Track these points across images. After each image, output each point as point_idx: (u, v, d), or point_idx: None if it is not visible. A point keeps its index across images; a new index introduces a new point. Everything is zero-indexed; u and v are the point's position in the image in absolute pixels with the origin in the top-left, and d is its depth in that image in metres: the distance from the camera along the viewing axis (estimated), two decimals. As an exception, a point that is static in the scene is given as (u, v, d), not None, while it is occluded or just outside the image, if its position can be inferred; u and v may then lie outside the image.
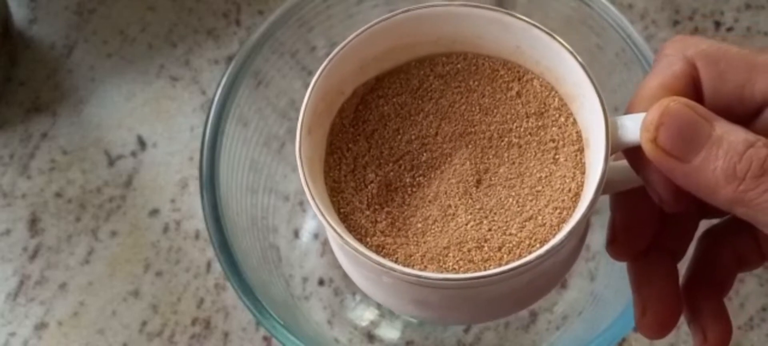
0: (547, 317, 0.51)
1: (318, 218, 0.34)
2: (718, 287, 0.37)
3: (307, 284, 0.52)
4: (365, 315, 0.52)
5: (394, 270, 0.33)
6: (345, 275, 0.53)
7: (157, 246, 0.54)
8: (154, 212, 0.55)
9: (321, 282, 0.53)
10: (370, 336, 0.51)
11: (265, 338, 0.52)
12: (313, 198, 0.33)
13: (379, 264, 0.33)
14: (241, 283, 0.42)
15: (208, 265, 0.53)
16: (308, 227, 0.53)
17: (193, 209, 0.54)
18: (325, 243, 0.53)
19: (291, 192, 0.53)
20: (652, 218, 0.36)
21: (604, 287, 0.47)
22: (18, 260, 0.54)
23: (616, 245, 0.36)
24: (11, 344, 0.52)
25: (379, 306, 0.52)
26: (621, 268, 0.45)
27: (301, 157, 0.34)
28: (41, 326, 0.52)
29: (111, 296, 0.53)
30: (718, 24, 0.59)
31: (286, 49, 0.48)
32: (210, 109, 0.45)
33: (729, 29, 0.59)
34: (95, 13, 0.60)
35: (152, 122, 0.57)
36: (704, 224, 0.38)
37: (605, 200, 0.36)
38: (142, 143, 0.56)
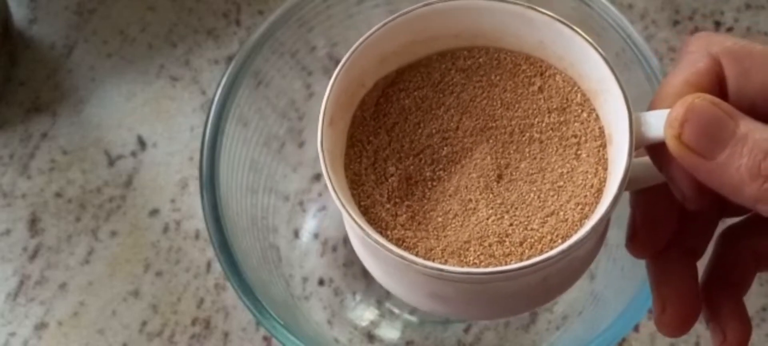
0: (547, 317, 0.51)
1: (340, 210, 0.34)
2: (737, 286, 0.36)
3: (307, 284, 0.52)
4: (365, 315, 0.52)
5: (416, 263, 0.33)
6: (345, 275, 0.53)
7: (157, 246, 0.54)
8: (154, 212, 0.55)
9: (321, 282, 0.52)
10: (370, 336, 0.51)
11: (265, 338, 0.52)
12: (335, 190, 0.33)
13: (402, 257, 0.33)
14: (241, 283, 0.42)
15: (208, 265, 0.53)
16: (308, 227, 0.53)
17: (193, 209, 0.54)
18: (325, 243, 0.53)
19: (291, 192, 0.53)
20: (673, 216, 0.36)
21: (604, 287, 0.47)
22: (18, 260, 0.54)
23: (636, 242, 0.36)
24: (11, 344, 0.52)
25: (379, 306, 0.52)
26: (621, 268, 0.45)
27: (322, 150, 0.34)
28: (41, 326, 0.52)
29: (111, 296, 0.53)
30: (718, 24, 0.59)
31: (286, 49, 0.48)
32: (210, 109, 0.45)
33: (729, 29, 0.59)
34: (95, 13, 0.60)
35: (152, 122, 0.57)
36: (723, 223, 0.37)
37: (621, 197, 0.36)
38: (142, 143, 0.56)
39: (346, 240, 0.53)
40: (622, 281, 0.45)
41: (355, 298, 0.52)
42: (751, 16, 0.59)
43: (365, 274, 0.53)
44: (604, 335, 0.42)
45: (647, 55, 0.44)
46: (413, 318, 0.52)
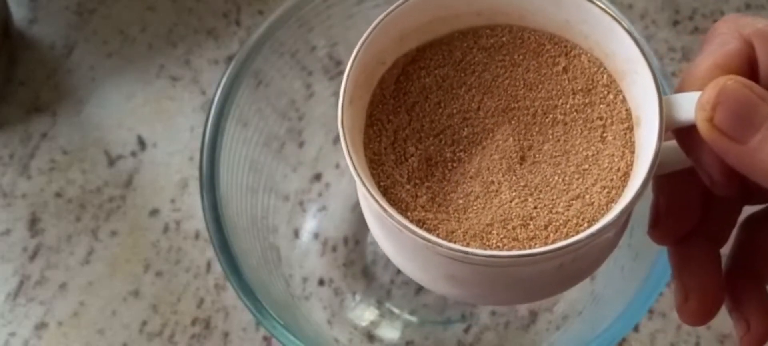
0: (547, 317, 0.51)
1: (359, 190, 0.33)
2: (760, 275, 0.36)
3: (307, 284, 0.52)
4: (365, 315, 0.52)
5: (440, 246, 0.32)
6: (345, 275, 0.53)
7: (157, 246, 0.54)
8: (154, 212, 0.55)
9: (321, 282, 0.52)
10: (370, 336, 0.51)
11: (265, 338, 0.52)
12: (356, 169, 0.33)
13: (425, 239, 0.32)
14: (241, 283, 0.42)
15: (208, 265, 0.53)
16: (308, 227, 0.53)
17: (193, 209, 0.54)
18: (325, 243, 0.53)
19: (291, 192, 0.53)
20: (696, 202, 0.35)
21: (604, 287, 0.47)
22: (18, 260, 0.54)
23: (658, 229, 0.35)
24: (11, 344, 0.52)
25: (379, 306, 0.52)
26: (621, 268, 0.45)
27: (343, 129, 0.33)
28: (41, 326, 0.52)
29: (111, 296, 0.53)
30: (718, 24, 0.59)
31: (286, 49, 0.48)
32: (210, 109, 0.45)
33: (729, 29, 0.59)
34: (95, 13, 0.60)
35: (152, 122, 0.57)
36: (746, 211, 0.37)
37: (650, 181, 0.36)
38: (142, 143, 0.56)
39: (346, 240, 0.53)
40: (622, 281, 0.45)
41: (355, 298, 0.52)
42: (751, 16, 0.59)
43: (365, 274, 0.53)
44: (604, 335, 0.42)
45: (648, 55, 0.44)
46: (413, 318, 0.52)
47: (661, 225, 0.35)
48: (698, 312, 0.35)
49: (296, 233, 0.53)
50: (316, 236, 0.53)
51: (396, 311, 0.52)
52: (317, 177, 0.53)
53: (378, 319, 0.52)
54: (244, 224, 0.46)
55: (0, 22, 0.56)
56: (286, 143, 0.51)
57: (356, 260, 0.53)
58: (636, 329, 0.52)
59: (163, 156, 0.56)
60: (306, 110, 0.51)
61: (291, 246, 0.52)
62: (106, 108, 0.57)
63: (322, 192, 0.53)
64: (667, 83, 0.43)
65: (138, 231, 0.54)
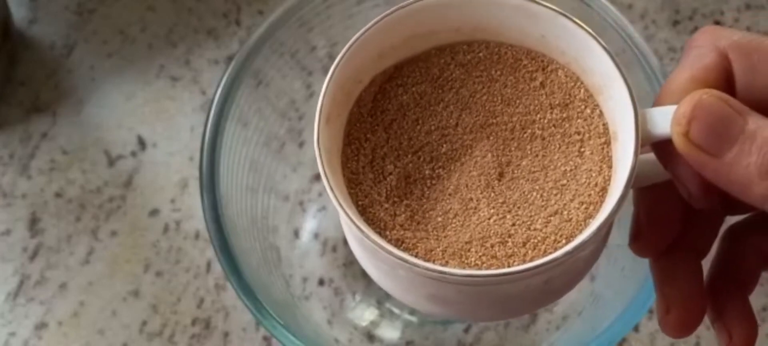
0: (547, 317, 0.51)
1: (338, 211, 0.33)
2: (742, 286, 0.36)
3: (307, 284, 0.52)
4: (365, 315, 0.52)
5: (417, 266, 0.32)
6: (345, 275, 0.53)
7: (157, 246, 0.54)
8: (154, 212, 0.55)
9: (321, 282, 0.52)
10: (370, 336, 0.51)
11: (265, 338, 0.52)
12: (333, 190, 0.33)
13: (401, 259, 0.32)
14: (241, 283, 0.42)
15: (208, 265, 0.53)
16: (308, 227, 0.53)
17: (193, 209, 0.54)
18: (325, 243, 0.53)
19: (291, 192, 0.53)
20: (677, 214, 0.35)
21: (604, 287, 0.47)
22: (18, 260, 0.54)
23: (639, 242, 0.35)
24: (11, 344, 0.52)
25: (379, 306, 0.52)
26: (621, 268, 0.45)
27: (319, 148, 0.33)
28: (41, 326, 0.52)
29: (111, 296, 0.53)
30: (717, 24, 0.59)
31: (286, 49, 0.48)
32: (210, 109, 0.45)
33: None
34: (95, 13, 0.60)
35: (152, 122, 0.57)
36: (727, 221, 0.37)
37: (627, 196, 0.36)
38: (142, 143, 0.56)
39: (346, 240, 0.53)
40: (622, 281, 0.45)
41: (355, 298, 0.52)
42: (751, 16, 0.59)
43: (365, 274, 0.53)
44: (604, 335, 0.42)
45: (647, 55, 0.44)
46: (413, 318, 0.52)
47: (642, 238, 0.35)
48: (680, 324, 0.35)
49: (296, 233, 0.53)
50: (316, 236, 0.53)
51: (396, 311, 0.52)
52: (317, 177, 0.53)
53: (378, 319, 0.52)
54: (244, 224, 0.46)
55: (0, 22, 0.56)
56: (286, 143, 0.51)
57: (356, 260, 0.53)
58: (636, 329, 0.52)
59: (163, 156, 0.56)
60: (306, 110, 0.51)
61: (291, 246, 0.52)
62: (106, 108, 0.57)
63: (322, 192, 0.53)
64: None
65: (138, 231, 0.54)
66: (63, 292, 0.53)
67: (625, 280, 0.44)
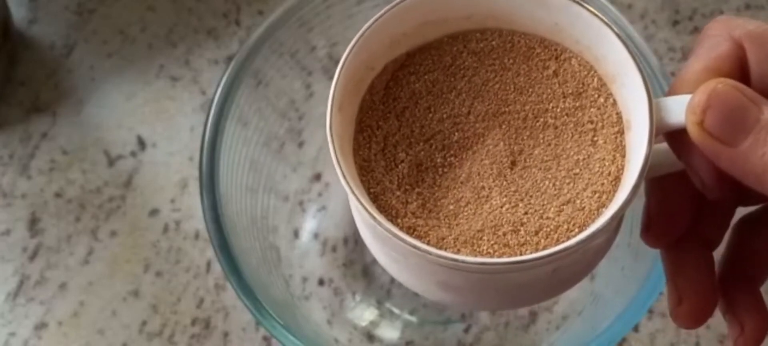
0: (547, 317, 0.51)
1: (349, 197, 0.33)
2: (753, 277, 0.36)
3: (306, 284, 0.52)
4: (365, 315, 0.52)
5: (430, 253, 0.32)
6: (345, 275, 0.53)
7: (157, 246, 0.54)
8: (154, 212, 0.55)
9: (321, 282, 0.53)
10: (370, 336, 0.51)
11: (265, 338, 0.52)
12: (345, 177, 0.32)
13: (414, 247, 0.32)
14: (241, 283, 0.42)
15: (208, 265, 0.53)
16: (308, 227, 0.53)
17: (193, 209, 0.54)
18: (325, 243, 0.53)
19: (291, 192, 0.53)
20: (689, 204, 0.35)
21: (604, 287, 0.47)
22: (18, 260, 0.54)
23: (651, 232, 0.35)
24: (11, 344, 0.52)
25: (379, 306, 0.52)
26: (621, 268, 0.45)
27: (331, 135, 0.33)
28: (41, 326, 0.52)
29: (111, 296, 0.53)
30: (718, 24, 0.59)
31: (286, 49, 0.48)
32: (210, 109, 0.45)
33: (729, 29, 0.59)
34: (95, 13, 0.60)
35: (152, 122, 0.57)
36: (739, 212, 0.37)
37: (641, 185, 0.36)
38: (142, 143, 0.56)
39: (346, 240, 0.53)
40: (622, 281, 0.45)
41: (354, 298, 0.52)
42: (750, 16, 0.59)
43: (365, 274, 0.53)
44: (604, 335, 0.42)
45: (647, 55, 0.44)
46: (413, 318, 0.52)
47: (654, 228, 0.35)
48: (692, 315, 0.35)
49: (296, 233, 0.53)
50: (316, 236, 0.53)
51: (396, 311, 0.52)
52: (317, 177, 0.53)
53: (378, 319, 0.52)
54: (244, 224, 0.46)
55: (0, 22, 0.56)
56: (286, 143, 0.51)
57: (356, 260, 0.53)
58: (636, 329, 0.52)
59: (163, 156, 0.56)
60: (306, 110, 0.51)
61: (291, 246, 0.52)
62: (106, 108, 0.57)
63: (322, 192, 0.53)
64: (667, 83, 0.43)
65: (138, 231, 0.54)
66: (63, 292, 0.53)
67: (625, 280, 0.44)
